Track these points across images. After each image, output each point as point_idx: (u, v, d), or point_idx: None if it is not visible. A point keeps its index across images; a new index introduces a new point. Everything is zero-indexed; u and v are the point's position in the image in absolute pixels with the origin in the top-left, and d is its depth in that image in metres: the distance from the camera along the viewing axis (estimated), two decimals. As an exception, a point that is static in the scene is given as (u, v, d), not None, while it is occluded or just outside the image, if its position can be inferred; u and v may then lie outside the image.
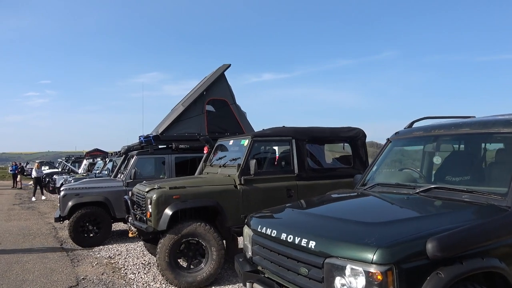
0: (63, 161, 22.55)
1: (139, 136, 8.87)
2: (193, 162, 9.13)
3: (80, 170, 20.42)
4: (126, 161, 9.68)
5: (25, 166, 36.14)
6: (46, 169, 28.78)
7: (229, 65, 9.61)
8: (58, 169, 27.26)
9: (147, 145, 8.83)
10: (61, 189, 8.26)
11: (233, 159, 6.09)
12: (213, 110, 9.43)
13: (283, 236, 2.92)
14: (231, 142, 6.54)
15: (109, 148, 25.32)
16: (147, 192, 5.45)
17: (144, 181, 6.32)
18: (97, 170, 17.40)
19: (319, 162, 6.45)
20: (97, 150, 25.66)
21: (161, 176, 8.89)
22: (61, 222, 8.30)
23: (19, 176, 26.68)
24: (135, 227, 5.57)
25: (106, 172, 14.64)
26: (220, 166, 6.31)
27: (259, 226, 3.33)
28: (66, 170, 22.21)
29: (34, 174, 18.44)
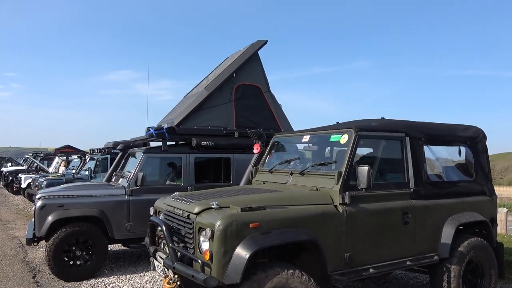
0: (31, 158, 19.57)
1: (148, 128, 6.59)
2: (217, 164, 6.95)
3: (51, 169, 17.62)
4: (124, 160, 7.36)
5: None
6: (8, 166, 25.54)
7: (266, 42, 7.51)
8: (23, 166, 24.10)
9: (159, 139, 6.58)
10: (37, 196, 5.85)
11: (321, 164, 4.00)
12: (243, 98, 7.28)
13: None
14: (306, 137, 4.43)
15: (78, 146, 22.42)
16: (198, 214, 3.28)
17: (176, 193, 4.12)
18: (72, 169, 14.79)
19: (437, 173, 4.47)
20: (68, 147, 22.75)
21: (176, 183, 6.65)
22: (36, 244, 5.90)
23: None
24: (177, 274, 3.34)
25: (86, 173, 12.17)
26: (290, 174, 4.21)
27: None
28: (34, 168, 19.27)
29: None
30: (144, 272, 5.93)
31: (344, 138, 3.84)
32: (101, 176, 11.83)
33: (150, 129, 6.51)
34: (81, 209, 5.73)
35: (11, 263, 6.32)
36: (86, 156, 13.08)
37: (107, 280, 5.58)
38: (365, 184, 3.45)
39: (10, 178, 18.40)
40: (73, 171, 13.84)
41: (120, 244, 6.59)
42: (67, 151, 21.03)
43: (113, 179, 7.20)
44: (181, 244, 3.45)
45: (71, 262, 5.62)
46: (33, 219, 6.41)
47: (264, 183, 4.59)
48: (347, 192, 3.54)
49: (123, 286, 5.34)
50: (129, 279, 5.61)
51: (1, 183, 21.83)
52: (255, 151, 5.07)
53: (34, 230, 5.84)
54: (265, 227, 3.11)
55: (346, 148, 3.77)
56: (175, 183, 6.68)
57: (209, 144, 6.60)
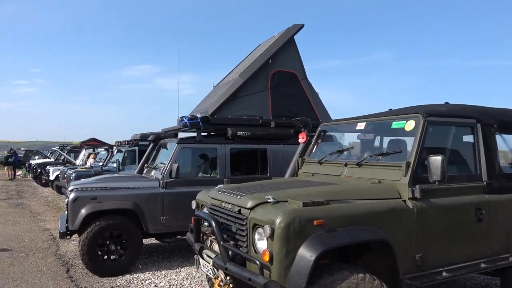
0: (58, 150, 19.72)
1: (182, 117, 6.29)
2: (253, 156, 6.61)
3: (78, 161, 17.68)
4: (156, 151, 7.11)
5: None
6: (36, 159, 25.96)
7: (302, 26, 7.08)
8: (50, 159, 24.44)
9: (192, 129, 6.28)
10: (70, 188, 5.64)
11: (381, 154, 3.59)
12: (278, 85, 6.89)
13: None
14: (361, 125, 4.02)
15: (101, 139, 22.53)
16: (251, 208, 2.93)
17: (221, 186, 3.80)
18: (99, 161, 14.75)
19: (510, 165, 3.99)
20: (93, 139, 22.93)
21: (210, 175, 6.35)
22: (69, 238, 5.70)
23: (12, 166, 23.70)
24: (229, 276, 3.01)
25: (114, 165, 12.05)
26: (344, 165, 3.82)
27: None
28: (61, 161, 19.42)
29: None
30: (179, 268, 5.67)
31: (409, 125, 3.42)
32: (129, 168, 11.72)
33: (184, 118, 6.21)
34: (115, 201, 5.49)
35: (44, 256, 6.17)
36: (114, 149, 12.95)
37: (142, 276, 5.33)
38: (439, 176, 3.03)
39: (39, 170, 18.60)
40: (101, 164, 13.83)
41: (153, 238, 6.35)
42: (93, 143, 21.16)
43: (144, 171, 6.97)
44: (231, 242, 3.11)
45: (105, 257, 5.40)
46: (65, 212, 6.24)
47: (313, 175, 4.21)
48: (417, 185, 3.13)
49: (160, 282, 5.08)
50: (165, 275, 5.35)
51: (30, 175, 22.17)
52: (300, 140, 4.69)
53: (66, 223, 5.66)
54: (331, 225, 2.74)
55: (410, 137, 3.35)
56: (210, 175, 6.38)
57: (245, 134, 6.26)
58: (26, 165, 26.71)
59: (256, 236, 2.86)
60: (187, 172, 6.38)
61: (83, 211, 5.31)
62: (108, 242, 5.41)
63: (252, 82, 6.67)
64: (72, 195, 5.37)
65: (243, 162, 6.59)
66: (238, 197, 3.16)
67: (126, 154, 11.89)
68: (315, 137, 4.62)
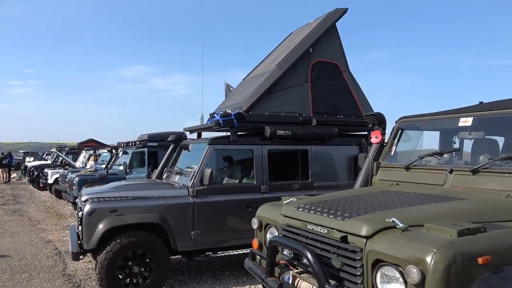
0: (56, 152, 18.69)
1: (213, 114, 5.40)
2: (292, 158, 5.75)
3: (78, 164, 16.71)
4: (176, 153, 6.22)
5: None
6: (31, 161, 24.86)
7: (345, 10, 6.21)
8: (46, 160, 23.38)
9: (226, 128, 5.39)
10: (83, 198, 4.71)
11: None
12: (319, 78, 6.02)
13: None
14: (465, 121, 3.15)
15: (98, 140, 21.54)
16: (369, 237, 2.06)
17: (294, 199, 2.90)
18: (101, 164, 13.79)
19: None
20: (92, 140, 21.91)
21: (247, 181, 5.48)
22: (82, 258, 4.78)
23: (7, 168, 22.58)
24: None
25: (120, 168, 11.12)
26: (448, 171, 2.96)
27: None
28: (59, 163, 18.42)
29: None
30: (216, 292, 4.78)
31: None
32: (138, 172, 10.79)
33: (215, 115, 5.32)
34: (138, 214, 4.59)
35: (50, 278, 5.24)
36: (119, 150, 12.00)
37: (172, 304, 4.44)
38: None
39: (36, 173, 17.60)
40: (103, 166, 12.87)
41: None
42: (91, 145, 20.17)
43: (164, 176, 6.08)
44: (331, 282, 2.23)
45: (127, 281, 4.50)
46: (75, 225, 5.35)
47: (397, 184, 3.35)
48: None
49: (195, 313, 4.19)
50: (199, 303, 4.46)
51: (26, 178, 21.14)
52: (373, 140, 3.82)
53: (79, 239, 4.76)
54: (497, 262, 1.87)
55: None
56: (246, 181, 5.51)
57: (286, 133, 5.38)
58: (22, 167, 25.63)
59: (379, 279, 1.99)
60: (219, 178, 5.50)
61: (101, 226, 4.41)
62: (130, 263, 4.51)
63: (291, 74, 5.78)
64: (87, 207, 4.46)
65: (281, 165, 5.72)
66: (339, 218, 2.28)
67: (133, 156, 10.96)
68: (391, 136, 3.76)
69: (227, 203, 5.02)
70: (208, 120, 5.68)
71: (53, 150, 20.30)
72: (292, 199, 3.00)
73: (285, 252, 2.64)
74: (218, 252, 5.06)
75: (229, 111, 5.46)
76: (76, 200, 5.39)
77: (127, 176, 10.51)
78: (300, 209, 2.65)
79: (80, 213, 4.58)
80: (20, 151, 35.37)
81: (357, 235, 2.12)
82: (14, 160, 26.14)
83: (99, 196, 4.66)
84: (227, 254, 5.05)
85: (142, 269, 4.57)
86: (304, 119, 5.72)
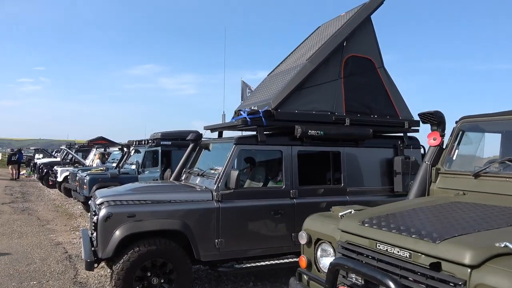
0: (66, 149, 18.40)
1: (239, 111, 4.97)
2: (323, 160, 5.29)
3: (88, 162, 16.38)
4: (196, 153, 5.79)
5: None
6: (40, 158, 24.66)
7: (382, 1, 5.73)
8: (56, 158, 23.14)
9: (251, 127, 4.95)
10: (98, 201, 4.29)
11: None
12: (352, 74, 5.55)
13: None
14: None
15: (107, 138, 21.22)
16: (476, 266, 1.59)
17: (353, 211, 2.45)
18: (112, 162, 13.43)
19: None
20: (102, 138, 21.59)
21: (275, 184, 5.03)
22: (96, 266, 4.35)
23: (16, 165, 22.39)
24: None
25: (132, 167, 10.74)
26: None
27: None
28: (69, 160, 18.13)
29: None
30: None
31: None
32: (150, 171, 10.40)
33: (242, 112, 4.88)
34: (159, 220, 4.16)
35: (60, 287, 4.84)
36: (130, 149, 11.61)
37: (194, 320, 4.01)
38: None
39: (45, 170, 17.34)
40: (113, 165, 12.50)
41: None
42: (101, 142, 19.83)
43: (182, 177, 5.66)
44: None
45: (146, 293, 4.08)
46: (88, 230, 4.95)
47: (464, 194, 2.88)
48: None
49: (221, 332, 3.74)
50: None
51: (36, 176, 20.92)
52: (431, 142, 3.34)
53: (93, 246, 4.34)
54: None
55: None
56: (272, 185, 5.06)
57: (318, 133, 4.93)
58: (31, 164, 25.45)
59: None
60: (244, 181, 5.07)
61: (118, 233, 3.99)
62: (149, 274, 4.09)
63: (323, 69, 5.33)
64: (103, 211, 4.04)
65: (311, 168, 5.27)
66: (427, 239, 1.82)
67: (146, 155, 10.56)
68: (451, 138, 3.29)
69: (254, 208, 4.59)
70: (232, 118, 5.25)
71: (63, 147, 20.02)
72: (350, 210, 2.55)
73: (350, 276, 2.19)
74: (243, 262, 4.63)
75: (255, 109, 5.03)
76: (89, 202, 4.98)
77: (139, 176, 10.13)
78: (366, 225, 2.19)
79: (94, 218, 4.16)
80: (31, 148, 35.28)
81: (457, 263, 1.67)
82: (24, 156, 26.00)
83: (116, 199, 4.24)
84: (254, 265, 4.61)
85: (162, 281, 4.14)
86: (337, 118, 5.26)
